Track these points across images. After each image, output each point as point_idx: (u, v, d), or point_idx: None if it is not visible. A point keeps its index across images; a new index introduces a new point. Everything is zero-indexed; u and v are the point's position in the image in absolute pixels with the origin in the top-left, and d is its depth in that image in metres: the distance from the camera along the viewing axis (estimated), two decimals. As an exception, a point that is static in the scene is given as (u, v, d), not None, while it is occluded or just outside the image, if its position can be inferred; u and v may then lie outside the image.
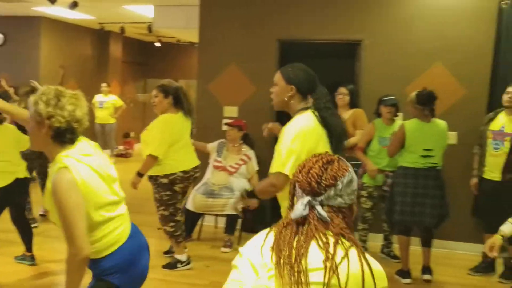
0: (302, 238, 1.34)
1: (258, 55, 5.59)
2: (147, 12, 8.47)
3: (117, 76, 11.71)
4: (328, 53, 6.02)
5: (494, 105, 4.68)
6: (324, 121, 2.47)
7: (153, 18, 8.16)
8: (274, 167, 2.41)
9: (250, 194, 2.62)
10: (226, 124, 5.24)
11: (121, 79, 11.89)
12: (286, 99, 2.52)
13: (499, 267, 4.41)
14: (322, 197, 1.39)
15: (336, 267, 1.27)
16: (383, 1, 5.24)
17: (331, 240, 1.32)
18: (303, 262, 1.28)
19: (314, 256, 1.30)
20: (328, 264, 1.26)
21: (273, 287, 1.31)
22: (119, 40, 11.74)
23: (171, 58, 13.12)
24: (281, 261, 1.30)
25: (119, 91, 11.45)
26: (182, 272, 4.17)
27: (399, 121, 4.45)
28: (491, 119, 4.31)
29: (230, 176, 4.96)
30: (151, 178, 4.12)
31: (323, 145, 2.43)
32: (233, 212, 4.72)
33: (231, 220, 4.88)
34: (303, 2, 5.44)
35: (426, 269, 4.19)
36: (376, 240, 4.90)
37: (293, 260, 1.29)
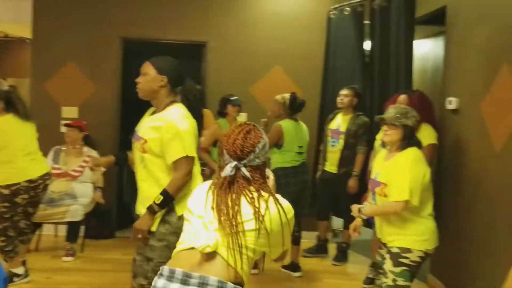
0: (234, 196, 1.76)
1: (100, 53, 5.33)
2: (-33, 1, 7.54)
3: None
4: (174, 53, 5.93)
5: (325, 106, 5.14)
6: (194, 114, 2.59)
7: (-25, 9, 7.31)
8: (180, 153, 2.44)
9: (164, 202, 2.45)
10: (65, 125, 4.90)
11: None
12: (156, 88, 2.54)
13: (332, 251, 4.87)
14: (245, 161, 1.82)
15: (263, 216, 1.72)
16: (227, 5, 5.39)
17: (255, 194, 1.77)
18: (238, 217, 1.71)
19: (246, 210, 1.74)
20: (256, 216, 1.72)
21: (219, 237, 1.71)
22: None
23: (-1, 54, 11.86)
24: (222, 218, 1.72)
25: None
26: (20, 287, 3.79)
27: (240, 119, 4.54)
28: (331, 119, 4.72)
29: (72, 182, 4.65)
30: None
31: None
32: (75, 219, 4.44)
33: (73, 228, 4.57)
34: (148, 0, 5.34)
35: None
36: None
37: (231, 216, 1.71)
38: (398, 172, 2.72)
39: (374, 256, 3.92)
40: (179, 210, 2.47)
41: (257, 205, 1.74)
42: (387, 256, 2.83)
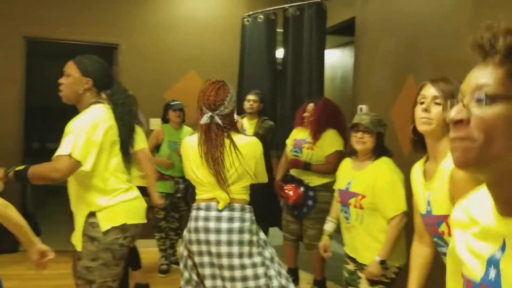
0: (213, 141, 2.42)
1: (1, 52, 4.96)
2: None
3: None
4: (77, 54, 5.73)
5: (240, 111, 5.18)
6: (119, 118, 2.37)
7: None
8: (63, 150, 2.17)
9: (19, 175, 2.20)
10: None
11: None
12: (80, 92, 2.34)
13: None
14: (217, 111, 2.44)
15: (234, 150, 2.44)
16: (140, 6, 5.26)
17: (225, 135, 2.45)
18: (217, 154, 2.42)
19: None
20: (229, 152, 2.43)
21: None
22: None
23: None
24: (208, 157, 2.42)
25: None
26: None
27: (186, 126, 4.49)
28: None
29: None
30: None
31: (116, 140, 2.36)
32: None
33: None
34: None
35: None
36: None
37: (214, 155, 2.41)
38: (389, 185, 2.51)
39: (289, 261, 4.02)
40: (103, 225, 2.27)
41: (227, 145, 2.43)
42: (361, 275, 2.58)
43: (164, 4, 5.35)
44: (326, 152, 3.73)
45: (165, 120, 4.49)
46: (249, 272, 2.39)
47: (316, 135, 3.73)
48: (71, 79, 2.36)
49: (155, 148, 4.39)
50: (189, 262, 2.53)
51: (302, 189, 3.73)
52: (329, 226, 2.90)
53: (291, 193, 3.71)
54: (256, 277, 2.40)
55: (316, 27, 4.51)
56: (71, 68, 2.37)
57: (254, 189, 3.59)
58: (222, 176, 2.42)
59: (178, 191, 4.38)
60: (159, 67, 5.30)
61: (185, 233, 2.54)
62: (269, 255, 2.54)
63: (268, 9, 5.07)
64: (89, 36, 5.17)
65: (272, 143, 4.48)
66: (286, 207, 3.97)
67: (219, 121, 2.43)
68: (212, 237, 2.41)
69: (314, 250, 3.71)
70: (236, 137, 2.48)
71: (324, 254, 2.87)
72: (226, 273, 2.39)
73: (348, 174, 2.71)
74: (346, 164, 2.81)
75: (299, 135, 3.92)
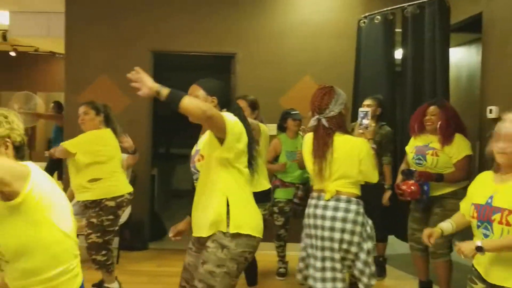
0: (319, 141, 2.80)
1: (131, 66, 5.30)
2: (1, 18, 7.73)
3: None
4: (202, 66, 6.05)
5: (356, 116, 5.07)
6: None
7: (8, 25, 7.48)
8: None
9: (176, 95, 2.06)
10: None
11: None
12: None
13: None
14: (323, 114, 2.79)
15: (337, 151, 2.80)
16: (255, 16, 5.42)
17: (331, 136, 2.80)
18: (321, 153, 2.79)
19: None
20: (332, 151, 2.80)
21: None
22: (-33, 48, 10.55)
23: (29, 69, 12.12)
24: (315, 155, 2.82)
25: (-33, 105, 10.26)
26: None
27: (301, 135, 4.46)
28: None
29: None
30: (92, 202, 3.67)
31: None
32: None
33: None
34: (177, 13, 5.40)
35: None
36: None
37: (319, 153, 2.80)
38: None
39: (419, 273, 3.85)
40: (234, 230, 2.28)
41: (329, 143, 2.78)
42: None
43: (280, 11, 5.44)
44: (455, 158, 3.53)
45: (281, 128, 4.52)
46: (339, 255, 2.76)
47: (446, 140, 3.54)
48: (202, 100, 2.36)
49: (274, 160, 4.45)
50: (302, 244, 2.97)
51: (413, 180, 3.59)
52: (445, 226, 2.56)
53: (404, 187, 3.60)
54: (344, 259, 2.79)
55: (439, 25, 4.27)
56: (195, 89, 2.42)
57: (368, 197, 3.51)
58: (327, 172, 2.79)
59: (296, 197, 4.39)
60: (274, 74, 5.39)
61: (305, 219, 2.97)
62: (367, 248, 2.81)
63: (385, 9, 4.92)
64: (208, 47, 5.43)
65: (386, 149, 4.33)
66: (411, 212, 3.82)
67: (325, 123, 2.77)
68: (319, 222, 2.80)
69: (440, 259, 3.56)
70: (342, 138, 2.80)
71: (425, 239, 2.52)
72: (327, 254, 2.77)
73: (489, 188, 2.36)
74: (485, 176, 2.47)
75: (420, 141, 3.74)
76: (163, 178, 6.29)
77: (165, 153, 8.63)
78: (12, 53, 11.12)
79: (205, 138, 2.38)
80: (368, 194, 4.38)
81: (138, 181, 5.08)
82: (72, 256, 1.81)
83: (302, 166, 3.57)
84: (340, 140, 2.79)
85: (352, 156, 2.79)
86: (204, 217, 2.32)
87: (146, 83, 2.05)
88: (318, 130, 2.81)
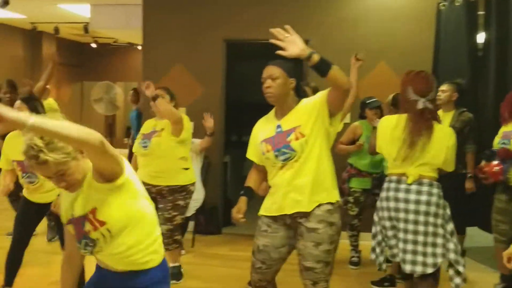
0: (418, 125, 2.79)
1: (205, 56, 5.51)
2: (83, 11, 8.15)
3: (51, 79, 11.18)
4: (274, 54, 6.04)
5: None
6: None
7: (89, 18, 7.87)
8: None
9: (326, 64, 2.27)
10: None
11: (56, 82, 11.37)
12: (287, 92, 2.49)
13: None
14: (427, 97, 2.82)
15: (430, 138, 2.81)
16: (328, 2, 5.33)
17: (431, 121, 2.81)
18: (416, 138, 2.79)
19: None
20: (426, 137, 2.81)
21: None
22: (53, 41, 11.23)
23: (109, 60, 12.73)
24: (408, 138, 2.79)
25: (55, 94, 10.94)
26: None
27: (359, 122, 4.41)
28: None
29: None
30: (182, 187, 3.85)
31: None
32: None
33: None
34: (250, 2, 5.43)
35: None
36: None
37: (414, 138, 2.79)
38: None
39: (501, 267, 3.65)
40: (337, 217, 2.50)
41: (426, 129, 2.79)
42: None
43: (354, -4, 5.32)
44: None
45: (362, 117, 4.40)
46: (430, 239, 2.77)
47: None
48: (281, 80, 2.46)
49: (351, 143, 4.33)
50: (378, 228, 3.00)
51: (495, 162, 3.43)
52: None
53: (487, 169, 3.46)
54: (434, 245, 2.78)
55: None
56: (277, 70, 2.47)
57: (448, 186, 3.37)
58: (414, 157, 2.78)
59: (376, 187, 4.23)
60: (348, 60, 5.28)
61: (378, 202, 2.97)
62: (450, 229, 2.83)
63: (467, -9, 4.68)
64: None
65: (469, 137, 4.12)
66: (495, 203, 3.64)
67: (430, 106, 2.81)
68: (401, 205, 2.80)
69: None
70: (435, 124, 2.83)
71: (505, 263, 2.20)
72: (410, 237, 2.79)
73: None
74: None
75: (509, 127, 3.57)
76: (235, 165, 6.39)
77: (237, 141, 8.76)
78: (93, 45, 11.70)
79: (304, 116, 2.44)
80: (446, 185, 4.28)
81: (211, 168, 5.19)
82: (156, 226, 1.97)
83: (372, 151, 3.50)
84: (434, 128, 2.82)
85: (442, 144, 2.80)
86: (307, 192, 2.43)
87: (298, 44, 2.21)
88: (423, 114, 2.79)
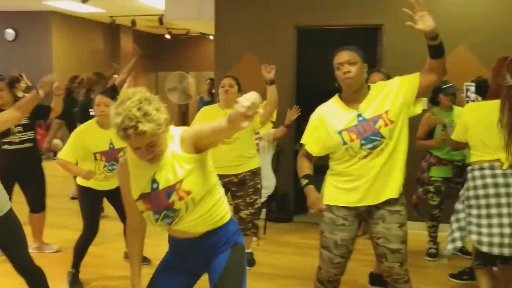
0: None
1: (276, 43, 5.51)
2: (157, 4, 8.41)
3: (132, 72, 11.65)
4: (346, 39, 5.90)
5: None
6: None
7: (164, 10, 8.10)
8: None
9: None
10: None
11: (133, 73, 11.85)
12: (364, 77, 2.50)
13: None
14: None
15: None
16: (403, -16, 5.13)
17: None
18: None
19: None
20: None
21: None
22: (130, 33, 11.71)
23: (181, 50, 13.08)
24: (508, 123, 2.78)
25: (131, 85, 11.43)
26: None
27: (456, 107, 4.21)
28: None
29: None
30: (258, 168, 3.96)
31: None
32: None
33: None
34: (321, -13, 5.35)
35: None
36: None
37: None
38: None
39: None
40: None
41: None
42: None
43: (430, -23, 5.08)
44: None
45: (434, 102, 4.24)
46: None
47: None
48: (358, 65, 2.45)
49: (427, 135, 4.17)
50: (460, 215, 2.94)
51: None
52: None
53: None
54: None
55: None
56: (354, 56, 2.45)
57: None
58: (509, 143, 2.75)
59: (457, 176, 4.09)
60: (423, 45, 5.07)
61: (461, 192, 2.96)
62: None
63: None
64: (353, 20, 5.30)
65: None
66: None
67: None
68: (502, 190, 2.76)
69: None
70: None
71: None
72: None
73: None
74: None
75: None
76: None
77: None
78: (167, 36, 12.07)
79: (388, 102, 2.44)
80: None
81: (283, 156, 5.22)
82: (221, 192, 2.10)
83: (454, 147, 3.33)
84: None
85: None
86: (392, 180, 2.48)
87: (430, 20, 2.35)
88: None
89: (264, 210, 5.12)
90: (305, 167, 2.60)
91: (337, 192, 2.56)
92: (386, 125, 2.41)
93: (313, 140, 2.59)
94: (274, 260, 4.25)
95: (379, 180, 2.46)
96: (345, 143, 2.45)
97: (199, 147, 1.88)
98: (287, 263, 4.20)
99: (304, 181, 2.54)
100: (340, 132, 2.47)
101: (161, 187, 1.90)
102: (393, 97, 2.44)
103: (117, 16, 10.18)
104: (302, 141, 2.65)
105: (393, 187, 2.49)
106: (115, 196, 3.49)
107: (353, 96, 2.50)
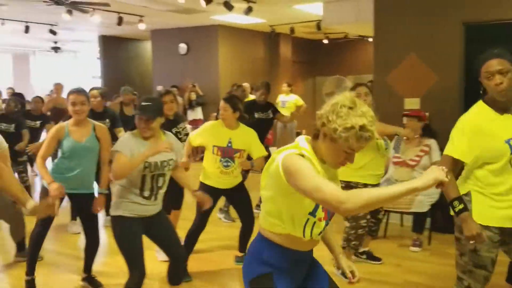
0: None
1: (440, 42, 5.18)
2: (315, 10, 8.53)
3: (287, 76, 12.05)
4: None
5: None
6: None
7: (322, 16, 8.19)
8: None
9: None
10: (404, 115, 4.97)
11: (291, 79, 12.22)
12: None
13: None
14: None
15: None
16: None
17: None
18: None
19: None
20: None
21: None
22: (288, 40, 12.07)
23: (339, 54, 13.07)
24: None
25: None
26: (373, 269, 4.06)
27: None
28: None
29: (412, 172, 4.68)
30: None
31: None
32: (420, 210, 4.45)
33: (419, 219, 4.60)
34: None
35: None
36: None
37: None
38: None
39: None
40: None
41: None
42: None
43: None
44: None
45: None
46: None
47: None
48: (510, 74, 2.27)
49: None
50: None
51: None
52: None
53: None
54: None
55: None
56: (505, 64, 2.28)
57: None
58: None
59: None
60: None
61: None
62: None
63: None
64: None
65: None
66: None
67: None
68: None
69: None
70: None
71: None
72: None
73: None
74: None
75: None
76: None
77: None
78: (325, 41, 12.16)
79: None
80: None
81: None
82: None
83: None
84: None
85: None
86: None
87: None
88: None
89: (428, 220, 4.83)
90: (454, 186, 2.36)
91: (483, 208, 2.40)
92: None
93: (464, 147, 2.36)
94: (438, 272, 3.99)
95: None
96: None
97: None
98: (448, 275, 3.88)
99: (459, 206, 2.34)
100: (505, 142, 2.29)
101: None
102: None
103: (277, 25, 10.56)
104: (452, 152, 2.38)
105: None
106: (235, 195, 3.90)
107: (504, 104, 2.33)
